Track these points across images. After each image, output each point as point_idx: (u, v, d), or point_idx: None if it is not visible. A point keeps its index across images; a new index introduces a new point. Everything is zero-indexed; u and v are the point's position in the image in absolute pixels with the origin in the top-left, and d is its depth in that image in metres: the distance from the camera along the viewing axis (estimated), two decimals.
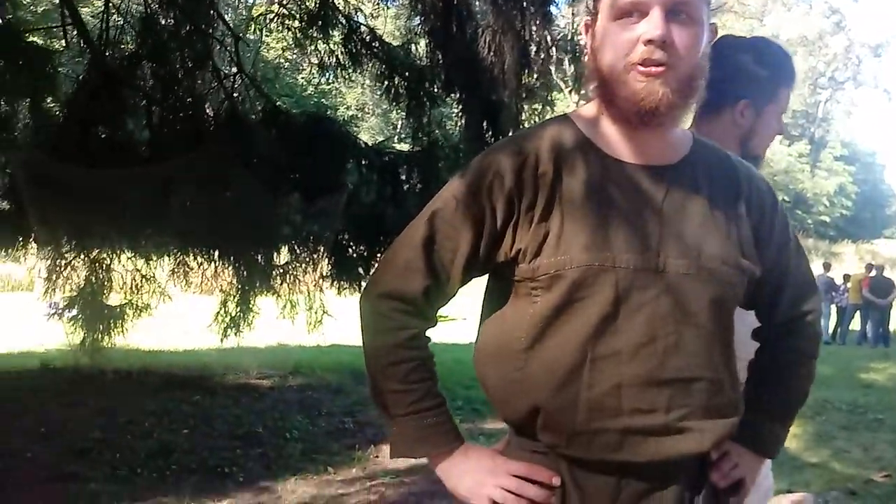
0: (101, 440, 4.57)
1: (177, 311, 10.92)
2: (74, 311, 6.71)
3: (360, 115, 26.43)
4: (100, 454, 4.33)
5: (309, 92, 23.31)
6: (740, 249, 1.16)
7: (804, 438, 5.30)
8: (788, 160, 35.53)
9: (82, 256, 6.78)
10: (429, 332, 1.23)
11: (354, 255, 7.36)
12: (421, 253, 1.16)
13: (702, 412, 1.10)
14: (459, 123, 6.67)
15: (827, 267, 13.86)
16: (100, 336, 6.72)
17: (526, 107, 6.01)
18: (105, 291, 6.89)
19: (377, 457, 4.57)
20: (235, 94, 6.71)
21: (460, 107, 6.39)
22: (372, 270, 7.13)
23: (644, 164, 1.15)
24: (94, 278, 6.80)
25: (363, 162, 7.11)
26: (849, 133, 44.91)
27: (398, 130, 22.04)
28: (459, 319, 14.90)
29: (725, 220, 1.16)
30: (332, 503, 3.82)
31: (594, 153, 1.15)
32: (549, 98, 6.10)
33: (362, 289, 1.34)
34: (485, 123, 6.11)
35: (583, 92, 5.91)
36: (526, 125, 5.74)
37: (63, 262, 6.79)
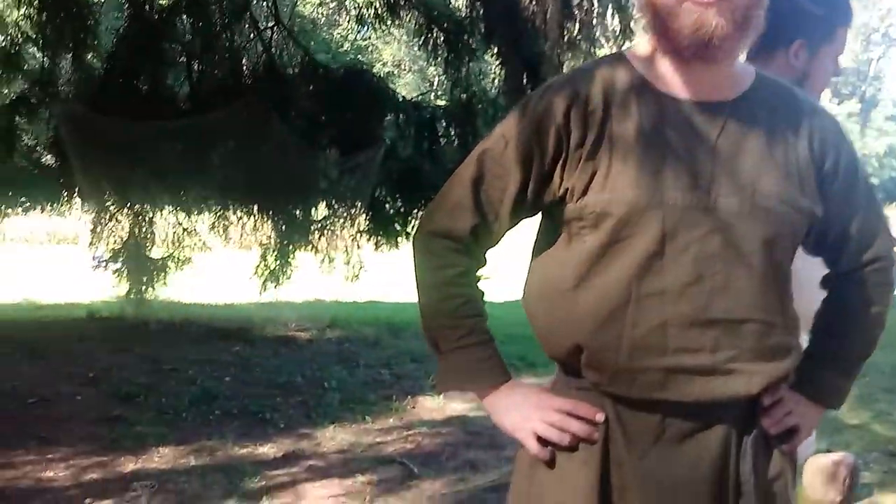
0: (147, 386, 4.71)
1: (218, 266, 11.16)
2: (118, 264, 6.88)
3: (396, 72, 26.17)
4: (145, 399, 4.47)
5: (345, 48, 23.15)
6: (800, 188, 1.11)
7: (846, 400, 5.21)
8: (838, 120, 34.38)
9: (125, 210, 6.92)
10: (480, 272, 1.23)
11: (391, 210, 7.39)
12: (470, 192, 1.16)
13: (751, 354, 1.08)
14: (498, 78, 6.57)
15: None
16: (143, 288, 6.89)
17: (567, 59, 5.87)
18: (148, 244, 7.04)
19: (414, 407, 4.63)
20: (273, 48, 6.69)
21: (499, 60, 6.27)
22: (409, 226, 7.17)
23: (699, 100, 1.11)
24: (136, 231, 6.94)
25: (400, 116, 7.07)
26: None
27: (435, 87, 21.82)
28: (493, 276, 14.99)
29: (785, 157, 1.11)
30: (369, 451, 3.88)
31: (647, 90, 1.12)
32: (591, 51, 5.94)
33: (413, 231, 1.34)
34: (525, 76, 6.00)
35: (627, 44, 5.76)
36: None
37: (107, 214, 6.93)
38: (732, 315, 1.07)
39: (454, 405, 4.70)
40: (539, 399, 1.18)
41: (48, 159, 7.61)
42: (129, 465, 3.58)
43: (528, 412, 1.17)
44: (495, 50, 6.29)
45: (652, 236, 1.05)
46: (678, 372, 1.06)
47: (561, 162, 1.11)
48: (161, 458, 3.68)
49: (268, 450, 3.86)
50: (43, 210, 18.59)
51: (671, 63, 1.11)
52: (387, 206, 7.36)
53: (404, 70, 28.70)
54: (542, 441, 1.14)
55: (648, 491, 1.11)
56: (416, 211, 7.20)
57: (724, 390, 1.08)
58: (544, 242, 1.20)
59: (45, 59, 6.53)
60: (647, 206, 1.05)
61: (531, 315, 1.20)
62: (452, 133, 6.96)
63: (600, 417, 1.12)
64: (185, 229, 7.27)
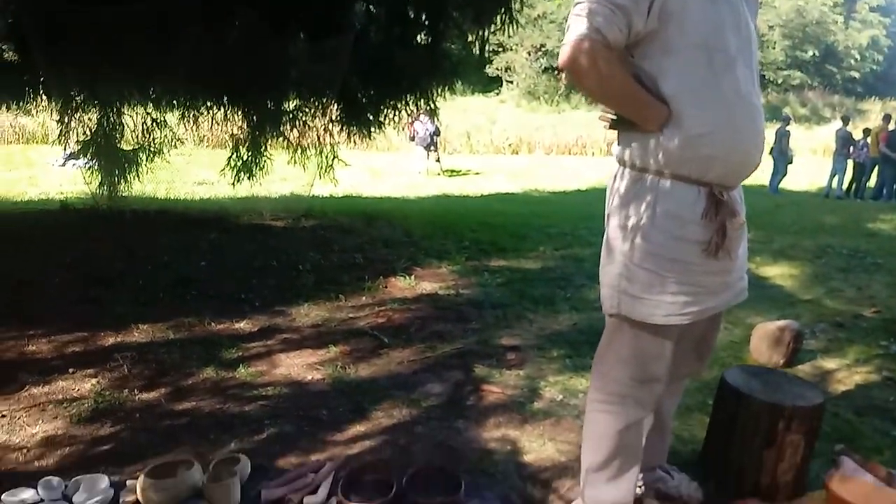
0: (123, 270, 4.79)
1: (192, 165, 11.05)
2: (88, 158, 6.79)
3: None
4: (123, 282, 4.56)
5: None
6: None
7: (801, 278, 5.45)
8: (822, 10, 33.72)
9: (93, 104, 6.76)
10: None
11: (363, 99, 7.29)
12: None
13: None
14: None
15: (846, 121, 13.50)
16: (115, 180, 6.84)
17: None
18: (117, 136, 6.93)
19: (385, 287, 4.77)
20: None
21: None
22: (381, 115, 7.10)
23: None
24: (105, 123, 6.82)
25: (371, 2, 6.87)
26: None
27: None
28: (472, 174, 15.02)
29: None
30: (342, 325, 4.04)
31: None
32: None
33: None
34: None
35: None
36: None
37: (74, 109, 6.77)
38: None
39: (424, 284, 4.86)
40: None
41: (10, 55, 7.33)
42: (110, 339, 3.72)
43: None
44: None
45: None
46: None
47: None
48: (140, 333, 3.82)
49: (244, 325, 4.01)
50: (8, 108, 18.04)
51: None
52: (358, 94, 7.26)
53: None
54: None
55: None
56: (388, 100, 7.13)
57: None
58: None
59: None
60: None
61: None
62: (424, 18, 6.79)
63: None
64: (154, 121, 7.16)
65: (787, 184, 13.28)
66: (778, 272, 5.57)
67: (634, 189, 1.83)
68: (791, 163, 13.40)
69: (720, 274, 1.87)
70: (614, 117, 1.86)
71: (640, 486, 2.28)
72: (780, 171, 13.17)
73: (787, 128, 13.56)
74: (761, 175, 12.37)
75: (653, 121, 1.77)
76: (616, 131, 1.91)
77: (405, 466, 2.46)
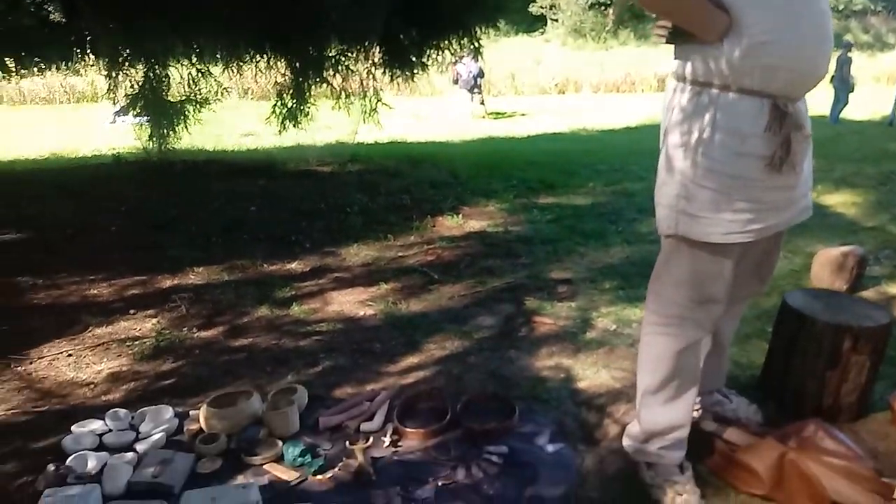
0: (177, 216, 4.89)
1: (236, 116, 11.13)
2: (137, 111, 6.89)
3: None
4: (177, 228, 4.66)
5: None
6: None
7: (863, 206, 5.23)
8: None
9: (139, 56, 6.81)
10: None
11: (406, 40, 7.17)
12: None
13: None
14: None
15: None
16: (164, 132, 6.94)
17: None
18: (164, 89, 7.00)
19: (434, 226, 4.75)
20: None
21: None
22: (424, 56, 6.99)
23: None
24: (151, 76, 6.88)
25: None
26: None
27: None
28: (518, 115, 14.76)
29: None
30: (391, 263, 4.06)
31: None
32: None
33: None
34: None
35: None
36: None
37: (120, 61, 6.84)
38: None
39: (472, 222, 4.82)
40: None
41: (56, 16, 7.42)
42: (167, 282, 3.81)
43: None
44: None
45: None
46: None
47: None
48: (196, 275, 3.90)
49: (295, 266, 4.06)
50: (58, 69, 18.43)
51: None
52: (401, 36, 7.15)
53: None
54: None
55: None
56: (430, 41, 7.00)
57: None
58: None
59: None
60: None
61: None
62: None
63: None
64: (199, 71, 7.19)
65: (849, 113, 12.66)
66: (839, 200, 5.36)
67: (693, 104, 1.75)
68: (853, 91, 12.75)
69: (784, 190, 1.78)
70: (671, 29, 1.76)
71: (697, 410, 2.25)
72: (841, 100, 12.57)
73: (849, 55, 12.87)
74: (821, 105, 11.84)
75: (712, 30, 1.67)
76: (673, 45, 1.81)
77: (459, 394, 2.48)
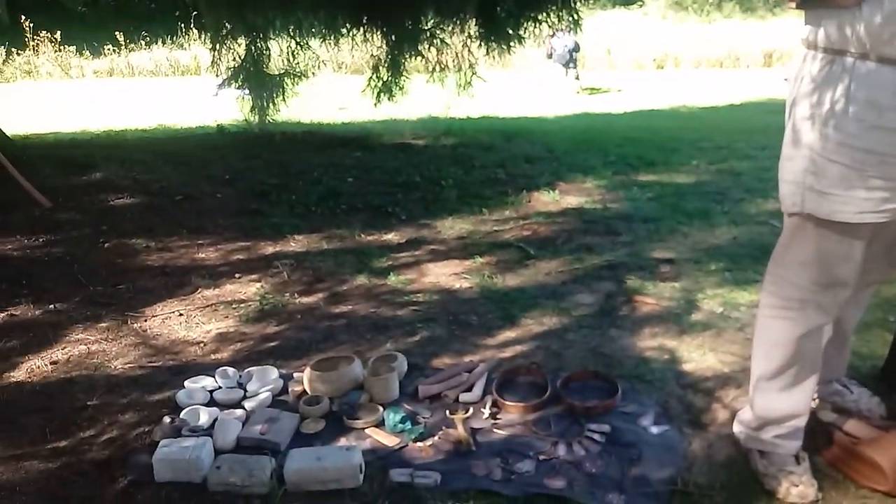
0: (278, 185, 5.02)
1: (333, 90, 11.33)
2: (239, 84, 7.10)
3: None
4: (278, 196, 4.78)
5: None
6: None
7: None
8: None
9: (241, 30, 7.01)
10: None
11: (502, 13, 7.07)
12: None
13: None
14: None
15: None
16: (264, 104, 7.14)
17: None
18: (264, 62, 7.19)
19: (529, 202, 4.69)
20: None
21: None
22: (521, 28, 6.88)
23: None
24: (252, 49, 7.07)
25: None
26: None
27: None
28: (614, 91, 14.37)
29: None
30: (487, 237, 4.03)
31: None
32: None
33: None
34: None
35: None
36: None
37: (223, 35, 7.06)
38: None
39: (569, 198, 4.73)
40: None
41: None
42: (269, 248, 3.93)
43: None
44: None
45: None
46: None
47: None
48: (296, 242, 4.00)
49: (392, 237, 4.10)
50: (164, 43, 19.17)
51: None
52: (497, 8, 7.05)
53: None
54: None
55: None
56: (527, 13, 6.87)
57: None
58: None
59: None
60: None
61: None
62: None
63: None
64: (298, 44, 7.34)
65: None
66: None
67: (826, 73, 1.62)
68: None
69: None
70: None
71: (815, 399, 2.12)
72: None
73: None
74: None
75: None
76: (803, 10, 1.68)
77: (558, 370, 2.44)
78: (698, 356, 2.54)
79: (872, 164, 1.60)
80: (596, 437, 2.06)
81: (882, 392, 2.21)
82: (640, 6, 25.94)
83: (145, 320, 3.05)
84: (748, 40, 18.59)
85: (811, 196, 1.68)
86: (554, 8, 6.78)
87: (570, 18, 6.89)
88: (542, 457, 1.98)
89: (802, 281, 1.79)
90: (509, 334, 2.80)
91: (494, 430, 2.13)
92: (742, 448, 1.99)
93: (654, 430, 2.09)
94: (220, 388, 2.43)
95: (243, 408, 2.29)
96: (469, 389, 2.33)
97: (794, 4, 1.68)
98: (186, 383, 2.44)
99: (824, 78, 1.62)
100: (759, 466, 1.92)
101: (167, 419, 2.17)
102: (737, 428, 2.02)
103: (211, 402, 2.34)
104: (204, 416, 2.22)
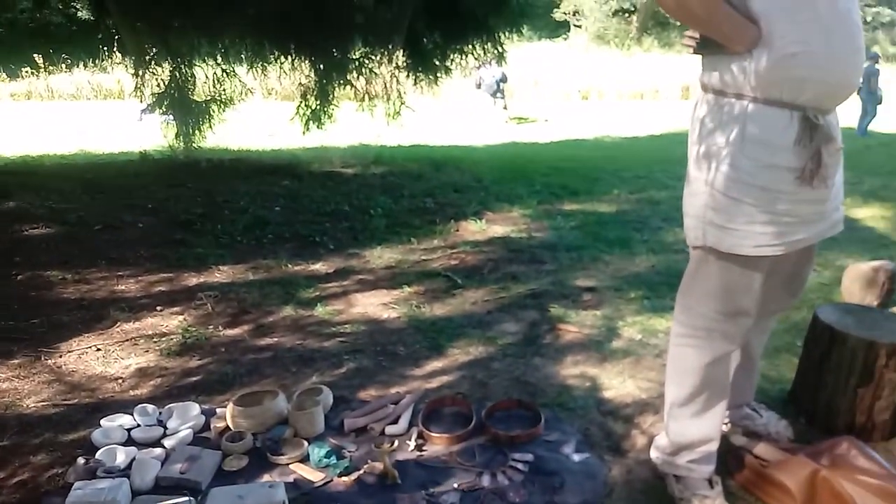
0: (203, 214, 4.92)
1: (262, 117, 11.21)
2: (163, 110, 6.96)
3: None
4: (203, 225, 4.69)
5: None
6: None
7: (893, 220, 5.16)
8: None
9: (165, 55, 6.88)
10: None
11: (429, 45, 7.19)
12: None
13: None
14: None
15: None
16: (190, 131, 7.01)
17: None
18: (190, 88, 7.07)
19: (457, 230, 4.76)
20: None
21: None
22: (448, 60, 6.99)
23: None
24: (177, 75, 6.95)
25: None
26: None
27: None
28: (541, 121, 14.74)
29: None
30: (415, 266, 4.06)
31: None
32: None
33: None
34: None
35: None
36: None
37: (147, 59, 6.92)
38: None
39: (496, 227, 4.82)
40: None
41: (84, 14, 7.53)
42: (193, 279, 3.84)
43: None
44: None
45: None
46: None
47: None
48: (221, 273, 3.93)
49: (320, 267, 4.07)
50: (85, 66, 18.55)
51: None
52: (424, 39, 7.17)
53: None
54: None
55: None
56: (454, 45, 7.01)
57: None
58: None
59: None
60: None
61: None
62: None
63: None
64: (224, 71, 7.26)
65: (877, 125, 12.51)
66: (869, 214, 5.29)
67: (721, 114, 1.73)
68: (881, 103, 12.60)
69: (815, 203, 1.76)
70: (699, 40, 1.75)
71: (726, 424, 2.22)
72: (869, 113, 12.42)
73: (877, 66, 12.72)
74: (849, 116, 11.69)
75: (741, 41, 1.65)
76: (701, 56, 1.80)
77: (483, 400, 2.47)
78: (618, 383, 2.63)
79: (768, 200, 1.70)
80: (520, 466, 2.09)
81: (790, 415, 2.34)
82: (566, 39, 26.79)
83: (60, 356, 2.94)
84: (667, 73, 19.42)
85: (712, 230, 1.78)
86: (479, 41, 6.95)
87: (495, 51, 7.07)
88: (466, 488, 2.00)
89: (708, 311, 1.87)
90: (436, 364, 2.82)
91: (420, 461, 2.14)
92: (659, 473, 2.06)
93: (576, 457, 2.15)
94: (138, 425, 2.36)
95: (163, 446, 2.23)
96: (395, 422, 2.34)
97: (692, 50, 1.79)
98: (103, 422, 2.35)
99: (721, 119, 1.73)
100: (675, 491, 1.99)
101: (81, 460, 2.09)
102: (654, 454, 2.09)
103: (129, 441, 2.27)
104: (121, 456, 2.15)
